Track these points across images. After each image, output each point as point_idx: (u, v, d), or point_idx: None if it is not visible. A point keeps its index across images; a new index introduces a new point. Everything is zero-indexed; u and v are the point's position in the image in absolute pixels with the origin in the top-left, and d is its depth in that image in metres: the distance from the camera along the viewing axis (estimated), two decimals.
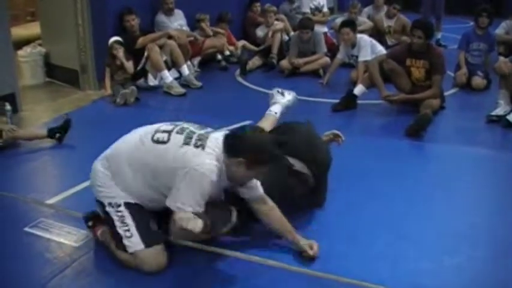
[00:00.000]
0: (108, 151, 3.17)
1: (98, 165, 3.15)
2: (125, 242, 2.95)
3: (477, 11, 6.98)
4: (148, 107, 6.06)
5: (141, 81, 6.61)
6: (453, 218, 3.59)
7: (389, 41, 8.68)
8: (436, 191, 3.98)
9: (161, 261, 2.96)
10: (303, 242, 3.09)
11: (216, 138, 2.91)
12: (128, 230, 2.96)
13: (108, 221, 3.05)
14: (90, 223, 3.21)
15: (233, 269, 3.04)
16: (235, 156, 2.80)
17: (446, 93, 6.15)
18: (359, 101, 6.00)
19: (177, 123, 3.08)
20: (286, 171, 3.19)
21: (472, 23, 7.49)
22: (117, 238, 2.99)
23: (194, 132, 2.93)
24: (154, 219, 3.09)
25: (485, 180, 4.22)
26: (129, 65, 6.36)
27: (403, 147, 4.92)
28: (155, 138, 2.96)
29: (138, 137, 3.04)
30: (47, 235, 3.36)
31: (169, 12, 7.23)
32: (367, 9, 9.37)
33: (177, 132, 2.95)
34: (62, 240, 3.30)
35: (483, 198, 3.93)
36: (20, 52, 7.01)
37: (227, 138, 2.88)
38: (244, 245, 3.21)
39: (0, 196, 3.93)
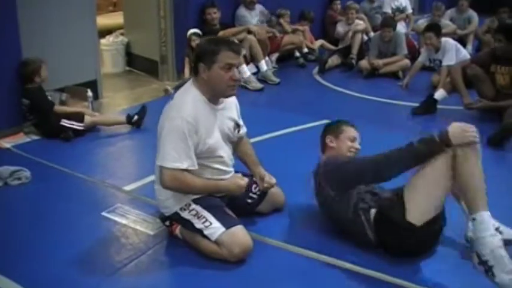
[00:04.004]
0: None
1: (155, 185, 3.19)
2: (206, 232, 2.96)
3: None
4: None
5: None
6: None
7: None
8: None
9: (247, 241, 2.96)
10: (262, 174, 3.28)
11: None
12: (206, 221, 2.97)
13: (187, 225, 3.06)
14: (167, 222, 3.22)
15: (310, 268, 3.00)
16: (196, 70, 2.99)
17: None
18: (439, 106, 5.84)
19: None
20: None
21: None
22: (199, 234, 3.00)
23: None
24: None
25: None
26: None
27: (486, 156, 4.69)
28: None
29: None
30: (123, 221, 3.42)
31: (251, 6, 7.22)
32: (450, 12, 9.11)
33: None
34: (138, 227, 3.35)
35: None
36: (103, 41, 7.20)
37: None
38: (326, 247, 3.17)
39: (80, 179, 4.04)
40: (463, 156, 2.75)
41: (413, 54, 7.51)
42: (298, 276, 2.91)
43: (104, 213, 3.51)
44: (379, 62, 7.21)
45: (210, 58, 2.92)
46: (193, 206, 3.03)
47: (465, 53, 6.72)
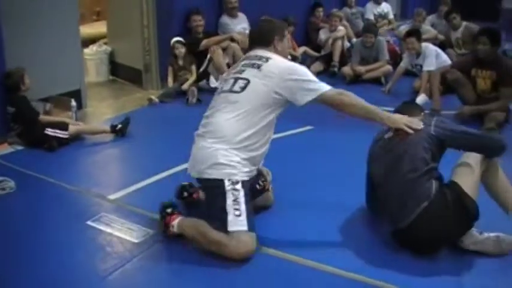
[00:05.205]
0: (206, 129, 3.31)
1: (217, 145, 3.19)
2: (230, 217, 3.02)
3: None
4: None
5: (203, 83, 6.70)
6: None
7: (455, 52, 8.29)
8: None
9: (253, 248, 3.06)
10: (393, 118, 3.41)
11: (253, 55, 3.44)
12: (238, 209, 3.05)
13: (217, 198, 3.09)
14: (169, 210, 3.26)
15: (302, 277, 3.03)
16: (270, 42, 3.44)
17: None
18: None
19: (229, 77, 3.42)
20: None
21: None
22: (219, 214, 3.05)
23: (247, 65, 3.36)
24: None
25: None
26: (193, 69, 6.59)
27: None
28: (234, 89, 3.28)
29: (221, 104, 3.32)
30: (108, 230, 3.43)
31: (233, 12, 7.25)
32: (431, 18, 9.21)
33: (241, 73, 3.34)
34: (122, 235, 3.36)
35: None
36: (86, 50, 7.20)
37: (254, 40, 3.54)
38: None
39: (65, 189, 4.05)
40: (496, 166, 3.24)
41: (395, 60, 7.58)
42: (294, 284, 2.92)
43: (88, 222, 3.51)
44: (362, 68, 7.28)
45: (282, 32, 3.52)
46: (239, 186, 3.11)
47: (445, 59, 6.79)
